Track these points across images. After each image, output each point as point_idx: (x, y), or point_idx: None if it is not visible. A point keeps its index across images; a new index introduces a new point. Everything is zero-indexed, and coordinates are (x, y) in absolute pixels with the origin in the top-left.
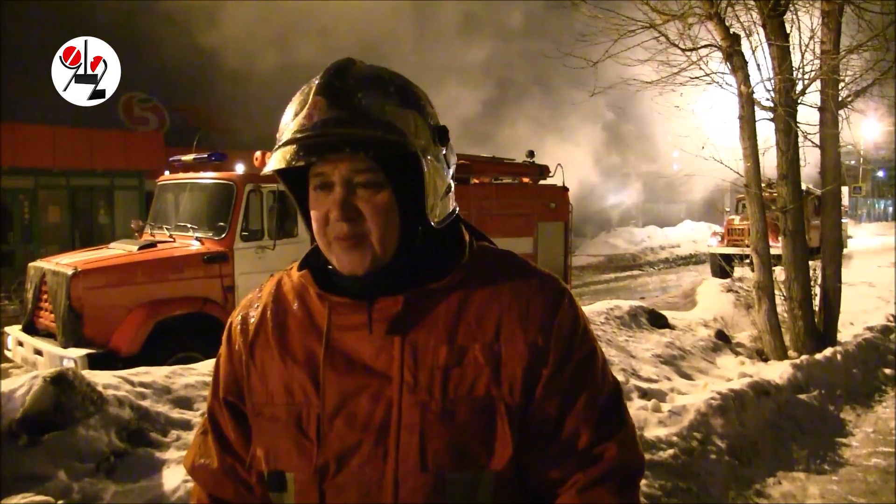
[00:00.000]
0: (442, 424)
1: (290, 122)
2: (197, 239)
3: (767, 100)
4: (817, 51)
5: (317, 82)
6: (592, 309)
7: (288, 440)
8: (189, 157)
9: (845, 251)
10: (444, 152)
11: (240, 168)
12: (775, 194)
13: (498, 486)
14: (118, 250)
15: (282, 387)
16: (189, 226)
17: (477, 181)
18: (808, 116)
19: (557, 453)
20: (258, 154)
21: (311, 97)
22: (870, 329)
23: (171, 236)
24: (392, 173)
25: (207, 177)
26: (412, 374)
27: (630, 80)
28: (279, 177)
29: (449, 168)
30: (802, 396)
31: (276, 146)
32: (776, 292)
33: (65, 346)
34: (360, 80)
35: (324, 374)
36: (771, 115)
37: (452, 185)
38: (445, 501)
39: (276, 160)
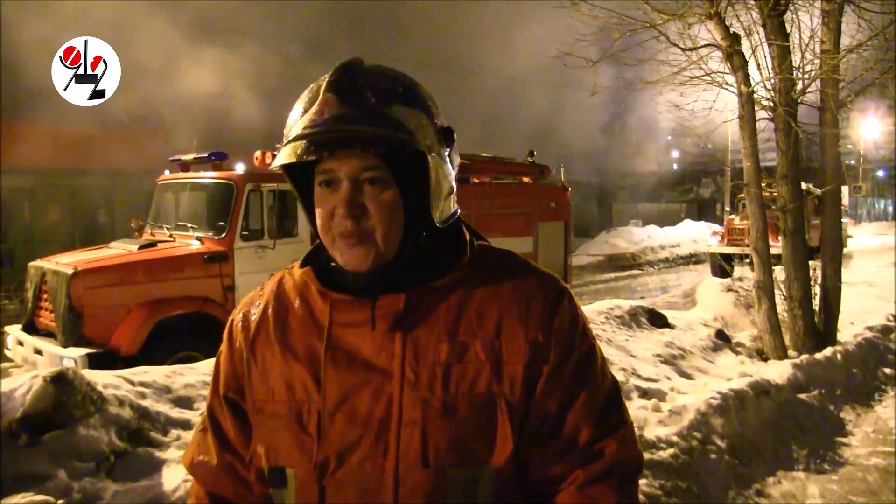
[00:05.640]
0: (443, 420)
1: (298, 119)
2: (197, 238)
3: (767, 99)
4: (817, 50)
5: (327, 80)
6: (592, 308)
7: (288, 436)
8: (189, 157)
9: (845, 251)
10: (448, 153)
11: (240, 167)
12: (775, 194)
13: (498, 482)
14: (118, 250)
15: (283, 383)
16: (189, 225)
17: (477, 181)
18: (808, 116)
19: (558, 450)
20: (258, 153)
21: (321, 94)
22: (870, 329)
23: (171, 236)
24: (397, 172)
25: (207, 176)
26: (413, 371)
27: (630, 79)
28: (285, 173)
29: (453, 169)
30: (802, 396)
31: (285, 142)
32: (776, 292)
33: (65, 346)
34: (369, 79)
35: (325, 370)
36: (771, 114)
37: (455, 186)
38: (446, 498)
39: (285, 155)
